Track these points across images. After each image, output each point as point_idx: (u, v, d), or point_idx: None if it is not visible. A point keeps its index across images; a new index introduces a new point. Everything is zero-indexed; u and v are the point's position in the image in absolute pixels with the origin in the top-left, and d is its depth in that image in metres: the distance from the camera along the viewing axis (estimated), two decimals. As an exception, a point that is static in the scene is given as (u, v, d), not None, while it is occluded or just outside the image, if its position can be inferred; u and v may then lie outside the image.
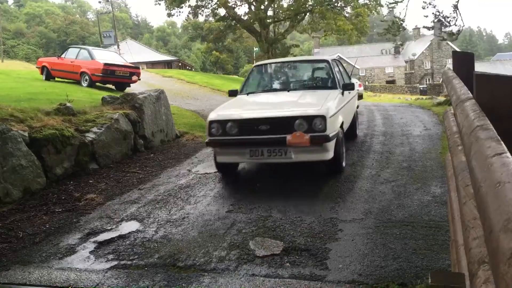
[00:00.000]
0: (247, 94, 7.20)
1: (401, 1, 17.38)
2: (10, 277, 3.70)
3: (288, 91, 6.88)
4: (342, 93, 6.76)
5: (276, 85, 7.70)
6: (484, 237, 0.96)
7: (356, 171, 6.39)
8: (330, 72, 7.25)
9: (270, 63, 8.43)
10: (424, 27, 16.47)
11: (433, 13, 16.25)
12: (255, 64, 8.37)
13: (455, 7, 15.51)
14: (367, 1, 29.50)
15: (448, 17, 15.80)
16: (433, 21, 16.65)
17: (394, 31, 17.25)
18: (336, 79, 7.05)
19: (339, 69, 7.80)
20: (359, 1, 29.07)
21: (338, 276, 3.43)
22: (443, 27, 16.21)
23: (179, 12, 31.62)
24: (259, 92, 7.27)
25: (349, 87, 6.94)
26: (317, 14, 28.09)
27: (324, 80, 7.39)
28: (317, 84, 7.46)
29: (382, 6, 27.39)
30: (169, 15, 32.18)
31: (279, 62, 8.48)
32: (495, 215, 0.81)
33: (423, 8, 16.37)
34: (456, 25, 15.82)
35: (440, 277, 1.57)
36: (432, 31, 18.28)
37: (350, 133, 7.82)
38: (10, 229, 4.70)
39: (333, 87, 6.91)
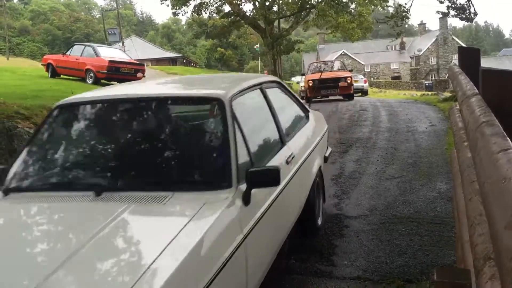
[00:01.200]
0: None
1: None
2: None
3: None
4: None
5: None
6: (490, 233, 0.95)
7: (361, 167, 6.38)
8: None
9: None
10: (437, 12, 16.08)
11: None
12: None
13: None
14: None
15: (462, 5, 15.63)
16: (448, 6, 16.35)
17: (398, 19, 17.11)
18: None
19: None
20: None
21: (344, 272, 3.43)
22: (458, 14, 15.99)
23: (184, 11, 31.61)
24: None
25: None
26: (319, 11, 27.93)
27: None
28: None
29: (387, 1, 27.18)
30: (175, 14, 32.19)
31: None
32: (501, 211, 0.81)
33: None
34: (470, 13, 15.65)
35: (445, 274, 1.57)
36: (439, 27, 18.06)
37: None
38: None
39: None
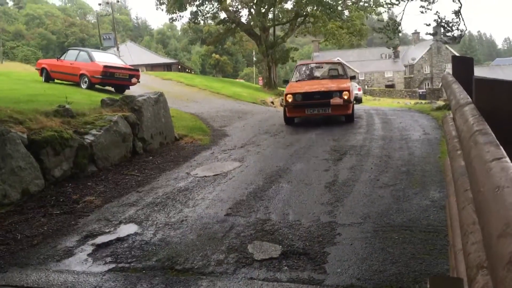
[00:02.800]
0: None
1: (398, 4, 17.40)
2: (7, 280, 3.69)
3: None
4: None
5: None
6: (483, 242, 0.95)
7: (354, 175, 6.39)
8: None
9: None
10: (427, 33, 16.58)
11: (434, 20, 16.30)
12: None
13: (458, 12, 15.57)
14: (366, 4, 29.51)
15: (450, 22, 15.85)
16: (435, 27, 16.67)
17: (389, 32, 17.27)
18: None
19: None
20: (357, 4, 29.08)
21: (337, 280, 3.43)
22: (445, 32, 16.25)
23: (180, 16, 31.72)
24: None
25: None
26: (312, 17, 28.19)
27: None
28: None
29: (382, 6, 27.44)
30: (171, 19, 32.30)
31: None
32: (494, 219, 0.81)
33: (422, 12, 16.43)
34: (458, 29, 15.89)
35: (438, 282, 1.57)
36: (432, 37, 18.39)
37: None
38: (8, 231, 4.69)
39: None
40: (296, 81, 12.25)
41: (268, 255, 3.91)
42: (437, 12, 16.15)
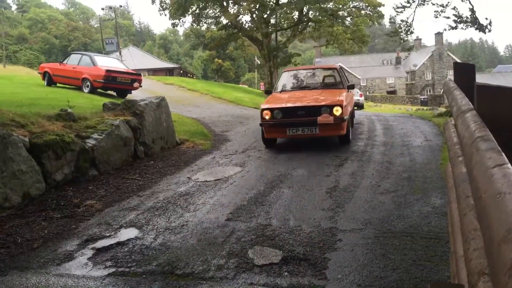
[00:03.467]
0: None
1: (409, 6, 17.50)
2: (7, 283, 3.68)
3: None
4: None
5: None
6: (485, 248, 0.95)
7: (356, 181, 6.38)
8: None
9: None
10: (448, 25, 16.68)
11: (453, 15, 16.50)
12: None
13: (472, 10, 15.86)
14: (370, 12, 29.68)
15: (468, 18, 16.07)
16: (455, 21, 16.79)
17: (403, 33, 17.44)
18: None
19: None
20: (361, 12, 29.26)
21: (337, 286, 3.42)
22: (468, 25, 16.43)
23: (183, 22, 31.95)
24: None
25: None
26: (315, 22, 28.32)
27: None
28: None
29: (383, 18, 27.63)
30: (174, 25, 32.41)
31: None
32: (496, 225, 0.81)
33: (436, 17, 16.69)
34: (478, 23, 16.12)
35: (439, 289, 1.57)
36: (434, 43, 18.61)
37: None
38: (9, 235, 4.69)
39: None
40: (280, 92, 9.96)
41: (268, 261, 3.90)
42: (455, 7, 16.35)
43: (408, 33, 17.71)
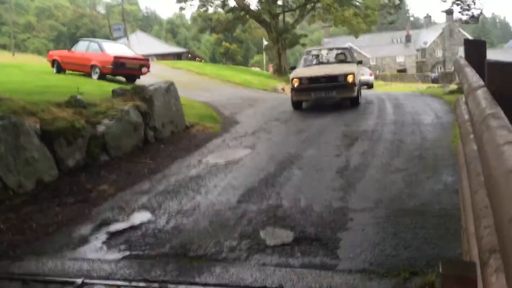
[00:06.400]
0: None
1: None
2: (24, 268, 3.76)
3: None
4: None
5: None
6: (495, 226, 0.95)
7: (366, 160, 6.36)
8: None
9: None
10: (442, 11, 16.43)
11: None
12: None
13: None
14: None
15: (466, 1, 15.63)
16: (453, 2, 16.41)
17: (390, 8, 17.13)
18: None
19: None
20: None
21: (349, 265, 3.44)
22: (462, 11, 16.02)
23: (190, 5, 31.62)
24: None
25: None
26: (324, 5, 27.79)
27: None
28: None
29: None
30: (181, 9, 32.16)
31: None
32: (506, 203, 0.81)
33: None
34: (476, 9, 15.67)
35: (451, 266, 1.57)
36: (445, 20, 18.29)
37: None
38: (24, 221, 4.77)
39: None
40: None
41: (280, 241, 3.93)
42: None
43: (397, 7, 17.33)
